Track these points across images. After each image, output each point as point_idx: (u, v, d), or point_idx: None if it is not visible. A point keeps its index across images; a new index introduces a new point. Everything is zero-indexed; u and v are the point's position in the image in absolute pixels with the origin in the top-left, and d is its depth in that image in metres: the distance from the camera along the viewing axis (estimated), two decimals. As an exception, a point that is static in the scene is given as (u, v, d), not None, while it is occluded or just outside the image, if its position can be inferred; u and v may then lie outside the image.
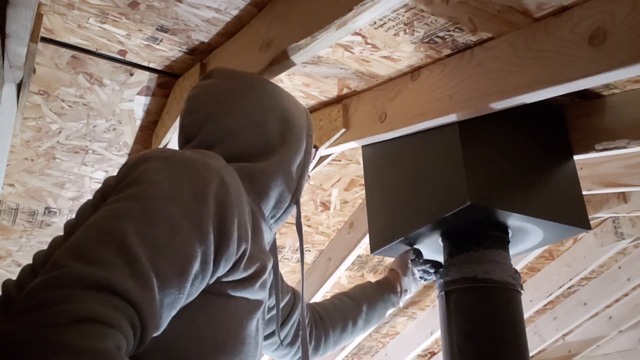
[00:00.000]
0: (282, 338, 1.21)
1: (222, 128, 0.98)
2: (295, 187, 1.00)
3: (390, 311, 1.55)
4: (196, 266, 0.73)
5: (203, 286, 0.77)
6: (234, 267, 0.80)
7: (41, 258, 0.81)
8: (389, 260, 2.63)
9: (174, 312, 0.72)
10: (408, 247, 1.62)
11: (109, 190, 0.80)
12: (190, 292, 0.74)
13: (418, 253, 1.60)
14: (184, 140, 1.02)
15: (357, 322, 1.41)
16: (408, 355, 3.14)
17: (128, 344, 0.63)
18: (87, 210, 0.81)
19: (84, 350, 0.57)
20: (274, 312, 1.14)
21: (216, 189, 0.78)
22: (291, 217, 1.05)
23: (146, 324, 0.65)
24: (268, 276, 0.93)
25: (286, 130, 1.01)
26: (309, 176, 1.10)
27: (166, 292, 0.69)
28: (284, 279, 1.31)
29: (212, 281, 0.79)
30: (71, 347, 0.56)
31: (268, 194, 0.95)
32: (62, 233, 0.84)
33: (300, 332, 1.04)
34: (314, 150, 1.10)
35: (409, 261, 1.57)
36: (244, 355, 0.84)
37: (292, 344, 1.25)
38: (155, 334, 0.69)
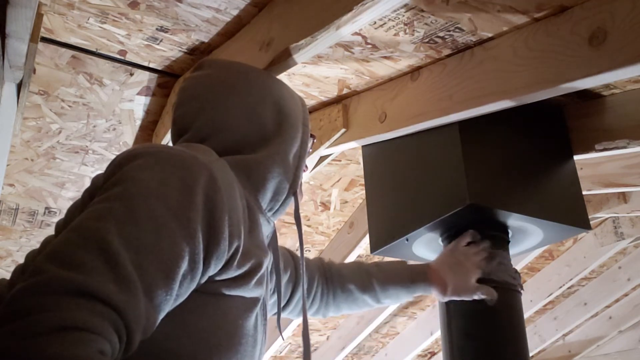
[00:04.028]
0: (282, 336, 1.20)
1: (216, 119, 0.96)
2: (292, 178, 0.97)
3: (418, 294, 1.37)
4: (184, 266, 0.71)
5: (193, 286, 0.75)
6: (227, 265, 0.78)
7: (32, 258, 0.80)
8: (389, 260, 2.63)
9: (163, 314, 0.70)
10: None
11: (97, 188, 0.78)
12: (180, 292, 0.72)
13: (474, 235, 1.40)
14: (177, 134, 0.99)
15: (371, 305, 1.32)
16: (408, 355, 3.14)
17: (113, 349, 0.62)
18: (76, 210, 0.79)
19: (65, 359, 0.56)
20: (274, 299, 1.12)
21: (205, 185, 0.76)
22: (288, 213, 1.03)
23: (131, 328, 0.64)
24: (265, 272, 0.91)
25: (281, 119, 0.99)
26: (306, 166, 1.07)
27: (152, 294, 0.67)
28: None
29: (203, 280, 0.77)
30: (52, 355, 0.55)
31: (265, 186, 0.92)
32: None
33: (302, 330, 1.02)
34: (310, 139, 1.07)
35: (465, 256, 1.35)
36: (240, 355, 0.82)
37: (298, 315, 1.23)
38: (143, 337, 0.67)
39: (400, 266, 1.35)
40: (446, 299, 1.37)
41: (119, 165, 0.77)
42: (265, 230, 0.95)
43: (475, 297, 1.35)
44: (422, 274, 1.34)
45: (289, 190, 0.97)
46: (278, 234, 2.38)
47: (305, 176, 1.98)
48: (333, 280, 1.29)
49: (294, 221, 2.24)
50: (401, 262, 1.37)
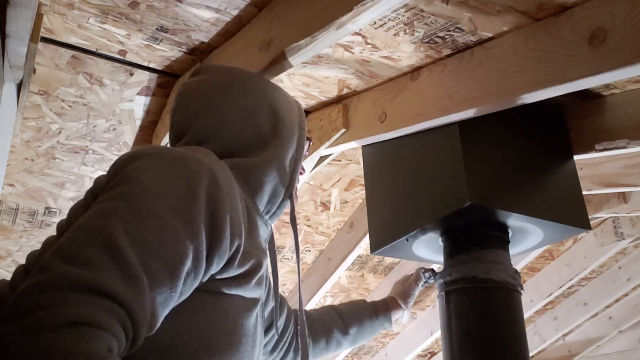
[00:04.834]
0: (278, 334, 1.19)
1: (213, 123, 0.97)
2: (288, 182, 0.98)
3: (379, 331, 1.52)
4: (188, 264, 0.72)
5: (196, 284, 0.76)
6: (228, 264, 0.79)
7: (34, 258, 0.80)
8: (389, 260, 2.63)
9: (166, 311, 0.71)
10: (422, 273, 1.57)
11: (100, 189, 0.79)
12: (183, 290, 0.73)
13: (432, 274, 1.57)
14: (175, 138, 1.01)
15: (341, 342, 1.37)
16: (408, 355, 3.14)
17: (120, 345, 0.62)
18: (79, 210, 0.80)
19: (74, 354, 0.56)
20: (267, 309, 1.12)
21: (207, 185, 0.77)
22: (286, 213, 1.03)
23: (137, 324, 0.64)
24: (265, 273, 0.92)
25: (277, 123, 1.00)
26: (303, 169, 1.08)
27: (157, 291, 0.68)
28: (282, 279, 1.28)
29: (205, 279, 0.78)
30: (61, 351, 0.56)
31: (262, 190, 0.94)
32: None
33: (299, 328, 1.03)
34: (307, 142, 1.08)
35: (414, 290, 1.54)
36: (240, 354, 0.82)
37: (272, 351, 1.21)
38: (148, 334, 0.68)
39: (363, 303, 1.48)
40: (406, 310, 1.52)
41: (121, 165, 0.78)
42: (263, 233, 0.96)
43: (420, 286, 1.55)
44: (382, 305, 1.49)
45: (284, 193, 0.98)
46: (279, 234, 2.40)
47: (304, 177, 1.98)
48: None
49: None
50: (363, 300, 1.50)
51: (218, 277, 0.80)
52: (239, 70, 1.07)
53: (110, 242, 0.66)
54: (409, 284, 1.55)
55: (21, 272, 0.79)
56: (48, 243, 0.82)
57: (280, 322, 1.22)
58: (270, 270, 1.05)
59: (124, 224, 0.68)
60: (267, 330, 1.16)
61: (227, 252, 0.78)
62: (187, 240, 0.72)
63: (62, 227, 0.82)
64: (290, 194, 0.99)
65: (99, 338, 0.59)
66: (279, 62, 1.32)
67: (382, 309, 1.47)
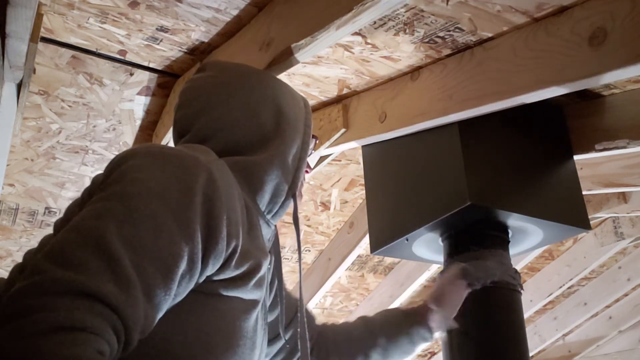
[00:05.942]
0: (286, 339, 1.12)
1: (215, 120, 0.96)
2: (291, 180, 0.96)
3: (421, 347, 1.26)
4: (183, 266, 0.70)
5: (191, 286, 0.74)
6: (225, 266, 0.78)
7: (31, 257, 0.80)
8: (389, 260, 2.63)
9: (161, 314, 0.70)
10: (464, 275, 1.30)
11: (96, 187, 0.77)
12: (178, 292, 0.72)
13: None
14: (178, 135, 0.99)
15: (370, 356, 1.20)
16: (408, 355, 3.14)
17: (111, 349, 0.61)
18: (75, 209, 0.79)
19: (65, 359, 0.55)
20: (276, 314, 1.09)
21: (204, 185, 0.75)
22: (287, 213, 1.01)
23: (130, 327, 0.63)
24: (266, 274, 0.90)
25: (281, 121, 0.98)
26: (309, 167, 1.06)
27: (151, 294, 0.67)
28: (285, 281, 1.21)
29: (201, 280, 0.76)
30: (51, 356, 0.55)
31: (263, 188, 0.92)
32: None
33: (299, 331, 1.01)
34: (313, 140, 1.06)
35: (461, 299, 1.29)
36: (237, 357, 0.81)
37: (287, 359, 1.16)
38: (141, 337, 0.67)
39: (394, 311, 1.30)
40: (450, 318, 1.28)
41: (117, 164, 0.77)
42: (266, 233, 0.94)
43: (464, 292, 1.30)
44: (417, 309, 1.27)
45: (287, 192, 0.95)
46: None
47: (306, 177, 1.98)
48: (330, 351, 1.20)
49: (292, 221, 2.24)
50: (397, 309, 1.31)
51: (215, 278, 0.78)
52: (245, 67, 1.06)
53: (103, 243, 0.65)
54: (455, 292, 1.30)
55: (17, 271, 0.78)
56: (45, 241, 0.81)
57: (289, 333, 1.14)
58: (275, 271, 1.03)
59: (117, 225, 0.67)
60: (275, 338, 1.11)
61: (223, 253, 0.76)
62: (182, 241, 0.71)
63: (59, 226, 0.81)
64: (293, 193, 0.97)
65: (90, 342, 0.58)
66: (281, 61, 1.32)
67: (415, 317, 1.25)
